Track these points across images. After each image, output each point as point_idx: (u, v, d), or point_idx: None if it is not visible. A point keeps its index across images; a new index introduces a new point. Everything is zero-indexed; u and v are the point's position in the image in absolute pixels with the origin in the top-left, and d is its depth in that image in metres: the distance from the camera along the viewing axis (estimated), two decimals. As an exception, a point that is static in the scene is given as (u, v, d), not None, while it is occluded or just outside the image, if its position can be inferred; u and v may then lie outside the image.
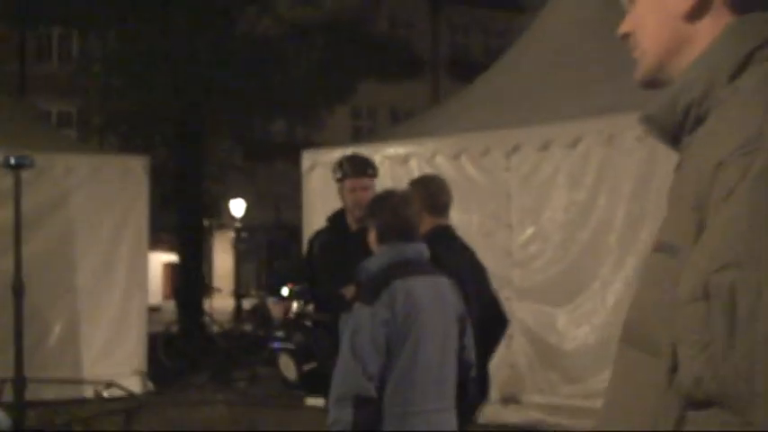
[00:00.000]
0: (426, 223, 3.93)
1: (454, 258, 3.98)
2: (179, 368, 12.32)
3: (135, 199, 10.53)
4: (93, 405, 7.55)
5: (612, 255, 7.92)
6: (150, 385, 10.48)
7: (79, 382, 9.42)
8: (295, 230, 28.46)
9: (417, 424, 3.30)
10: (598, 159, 8.01)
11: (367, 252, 4.52)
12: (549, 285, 8.19)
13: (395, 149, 9.25)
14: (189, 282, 14.86)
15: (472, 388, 3.61)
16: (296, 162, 22.96)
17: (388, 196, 3.69)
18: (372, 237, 3.55)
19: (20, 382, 5.69)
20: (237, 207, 24.24)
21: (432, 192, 4.28)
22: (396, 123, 24.27)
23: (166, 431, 8.22)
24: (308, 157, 10.11)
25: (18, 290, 5.63)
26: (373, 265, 3.48)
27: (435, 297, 3.43)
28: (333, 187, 9.69)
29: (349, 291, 4.39)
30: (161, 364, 12.04)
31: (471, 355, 3.60)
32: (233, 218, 24.22)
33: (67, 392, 9.49)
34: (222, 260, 27.29)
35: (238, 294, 23.66)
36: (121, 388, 7.81)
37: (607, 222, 7.94)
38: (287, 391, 10.54)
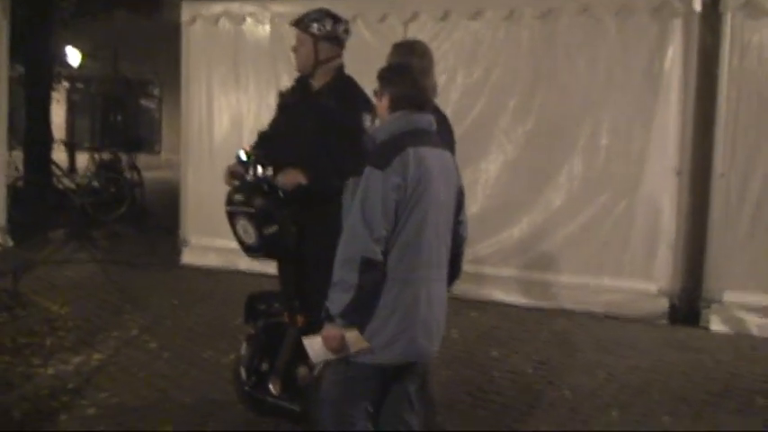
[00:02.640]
0: None
1: (443, 135, 3.99)
2: (32, 224, 11.71)
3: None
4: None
5: (502, 130, 8.15)
6: (9, 241, 10.00)
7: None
8: (132, 83, 27.40)
9: (417, 290, 3.36)
10: (496, 33, 8.11)
11: (321, 115, 4.47)
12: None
13: (284, 7, 8.95)
14: (35, 134, 14.00)
15: (460, 264, 3.71)
16: (138, 11, 21.70)
17: (407, 65, 3.65)
18: (383, 104, 3.48)
19: None
20: (73, 57, 22.82)
21: (419, 56, 4.24)
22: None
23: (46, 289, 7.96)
24: (188, 9, 9.59)
25: None
26: (383, 132, 3.45)
27: (442, 169, 3.44)
28: (215, 41, 9.48)
29: (288, 178, 4.34)
30: (12, 219, 11.42)
31: (466, 231, 3.69)
32: (67, 67, 22.79)
33: None
34: (54, 111, 25.76)
35: (72, 147, 22.60)
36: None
37: (501, 96, 8.13)
38: (154, 249, 10.51)
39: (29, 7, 13.56)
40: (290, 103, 4.71)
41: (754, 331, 7.06)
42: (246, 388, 4.73)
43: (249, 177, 4.49)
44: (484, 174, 8.20)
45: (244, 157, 4.53)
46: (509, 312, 7.72)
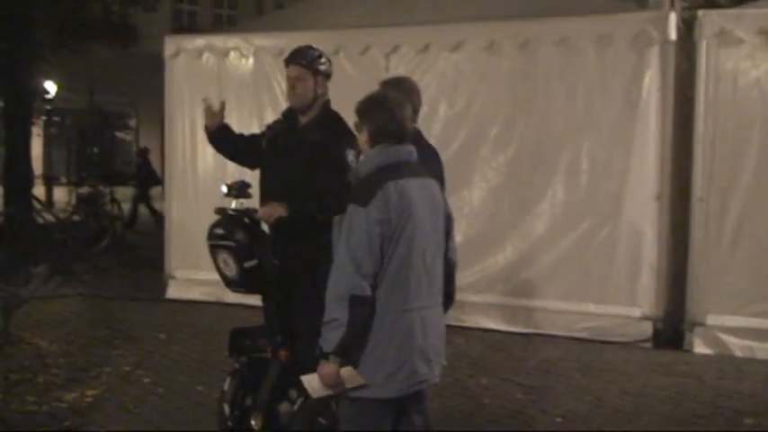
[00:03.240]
0: None
1: (430, 164, 4.09)
2: (14, 261, 11.67)
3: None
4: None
5: (484, 159, 8.28)
6: (-8, 279, 9.96)
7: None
8: (108, 115, 27.37)
9: (411, 320, 3.42)
10: (478, 64, 8.25)
11: (307, 151, 4.57)
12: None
13: (268, 41, 9.07)
14: (16, 171, 13.98)
15: (453, 288, 3.77)
16: (114, 43, 21.68)
17: (382, 97, 3.67)
18: (363, 138, 3.55)
19: None
20: (48, 90, 22.82)
21: (409, 94, 4.33)
22: (261, 13, 23.33)
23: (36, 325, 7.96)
24: (171, 43, 9.68)
25: None
26: (366, 166, 3.51)
27: (426, 198, 3.50)
28: (197, 75, 9.56)
29: (271, 211, 4.44)
30: (-7, 256, 11.40)
31: (455, 255, 3.76)
32: (44, 100, 22.80)
33: None
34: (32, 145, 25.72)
35: (50, 181, 22.58)
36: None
37: (482, 126, 8.26)
38: (139, 283, 10.52)
39: (6, 40, 13.62)
40: (277, 137, 4.80)
41: (738, 353, 7.19)
42: (229, 423, 4.75)
43: (230, 211, 4.56)
44: (467, 202, 8.30)
45: (225, 190, 4.61)
46: (495, 339, 7.81)
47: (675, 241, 7.62)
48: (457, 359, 7.06)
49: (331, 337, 3.32)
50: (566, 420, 5.60)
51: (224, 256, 4.51)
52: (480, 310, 8.15)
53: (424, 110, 8.13)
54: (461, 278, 7.96)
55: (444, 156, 8.07)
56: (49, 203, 21.41)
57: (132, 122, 28.24)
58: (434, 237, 3.53)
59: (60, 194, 19.84)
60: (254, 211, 4.54)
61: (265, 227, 4.53)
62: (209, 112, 4.88)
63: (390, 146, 3.50)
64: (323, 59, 4.73)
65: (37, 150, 24.96)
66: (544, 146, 8.02)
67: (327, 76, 4.75)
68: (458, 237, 8.08)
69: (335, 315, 3.31)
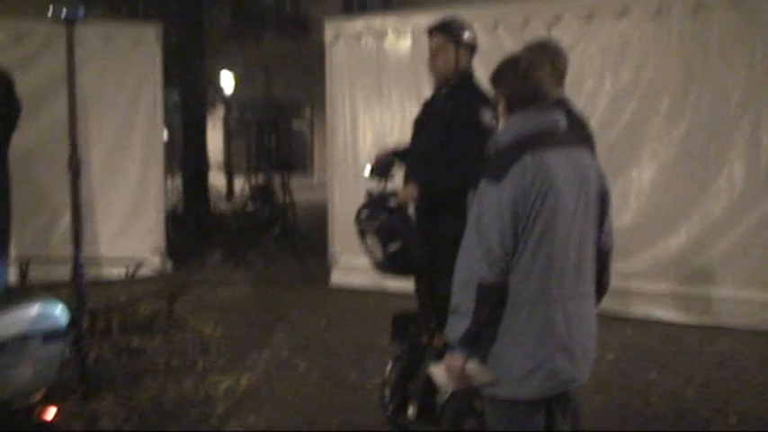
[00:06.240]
0: None
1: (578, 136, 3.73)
2: (190, 248, 12.10)
3: (147, 70, 10.07)
4: (122, 286, 7.40)
5: (655, 134, 7.74)
6: (170, 265, 10.34)
7: (108, 262, 9.20)
8: (284, 106, 28.15)
9: (551, 311, 2.98)
10: (645, 32, 7.72)
11: (438, 116, 4.39)
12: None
13: (425, 19, 8.83)
14: (192, 160, 14.47)
15: (607, 276, 3.28)
16: (286, 33, 22.14)
17: (514, 60, 3.28)
18: (501, 108, 3.20)
19: (79, 268, 5.42)
20: (227, 81, 23.66)
21: (551, 56, 3.99)
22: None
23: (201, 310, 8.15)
24: (331, 27, 9.66)
25: (74, 167, 5.34)
26: (504, 137, 3.12)
27: (573, 171, 3.04)
28: (357, 58, 9.50)
29: (404, 194, 4.26)
30: (172, 243, 11.83)
31: (611, 238, 3.26)
32: (221, 92, 23.66)
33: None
34: (211, 136, 26.81)
35: (230, 172, 23.43)
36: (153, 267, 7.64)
37: (652, 99, 7.72)
38: (305, 270, 10.64)
39: (180, 33, 14.10)
40: (420, 113, 4.71)
41: None
42: (388, 411, 4.64)
43: (375, 193, 4.43)
44: (636, 182, 7.81)
45: (367, 173, 4.50)
46: (666, 331, 7.27)
47: None
48: (623, 351, 6.64)
49: (456, 327, 3.01)
50: (741, 421, 5.08)
51: (371, 239, 4.40)
52: (651, 298, 7.63)
53: (588, 84, 7.91)
54: (630, 265, 7.64)
55: (612, 132, 7.81)
56: (230, 193, 22.22)
57: (306, 112, 28.88)
58: (583, 216, 3.07)
59: (240, 184, 20.58)
60: (396, 192, 4.41)
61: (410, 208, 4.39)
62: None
63: (529, 113, 3.11)
64: (467, 31, 4.53)
65: (219, 142, 26.05)
66: (720, 118, 7.40)
67: (471, 48, 4.54)
68: (626, 219, 7.71)
69: (461, 303, 2.99)
